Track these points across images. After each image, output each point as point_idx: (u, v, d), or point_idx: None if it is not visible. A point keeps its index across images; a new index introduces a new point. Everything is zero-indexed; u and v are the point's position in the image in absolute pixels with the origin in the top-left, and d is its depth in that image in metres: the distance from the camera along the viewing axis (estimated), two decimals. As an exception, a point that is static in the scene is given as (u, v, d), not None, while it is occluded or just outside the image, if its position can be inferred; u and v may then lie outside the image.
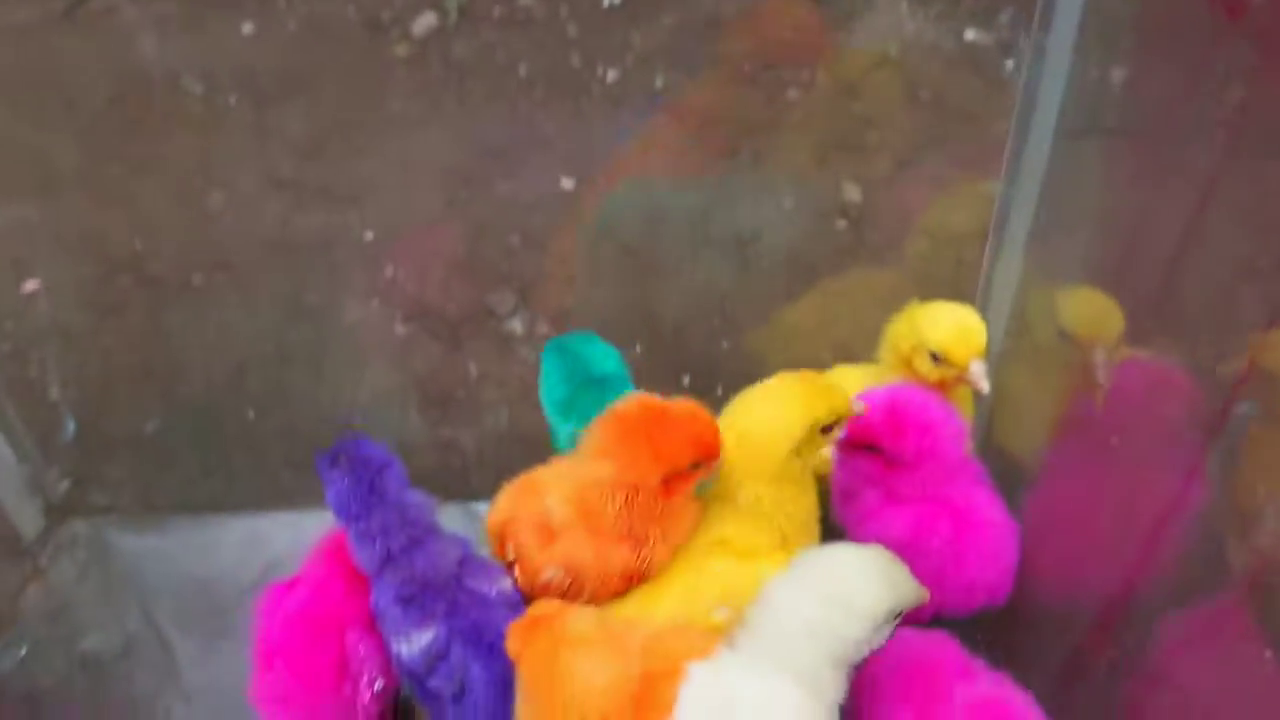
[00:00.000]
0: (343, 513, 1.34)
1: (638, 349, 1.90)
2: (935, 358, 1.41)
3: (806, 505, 1.30)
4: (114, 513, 1.77)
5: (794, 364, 1.82)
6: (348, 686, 1.33)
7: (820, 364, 1.64)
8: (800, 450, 1.26)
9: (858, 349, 1.57)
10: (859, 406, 1.30)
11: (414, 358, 1.92)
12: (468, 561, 1.35)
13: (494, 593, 1.33)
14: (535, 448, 1.67)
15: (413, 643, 1.29)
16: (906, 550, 1.31)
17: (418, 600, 1.30)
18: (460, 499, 1.77)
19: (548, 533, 1.32)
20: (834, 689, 1.08)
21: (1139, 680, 1.28)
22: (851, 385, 1.48)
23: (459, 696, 1.28)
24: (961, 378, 1.40)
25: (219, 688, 1.54)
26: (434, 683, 1.29)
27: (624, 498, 1.28)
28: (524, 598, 1.37)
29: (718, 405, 1.86)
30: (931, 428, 1.32)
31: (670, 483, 1.28)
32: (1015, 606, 1.41)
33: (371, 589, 1.35)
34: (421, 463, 1.84)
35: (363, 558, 1.34)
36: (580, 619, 1.17)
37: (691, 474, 1.29)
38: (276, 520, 1.77)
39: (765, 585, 1.10)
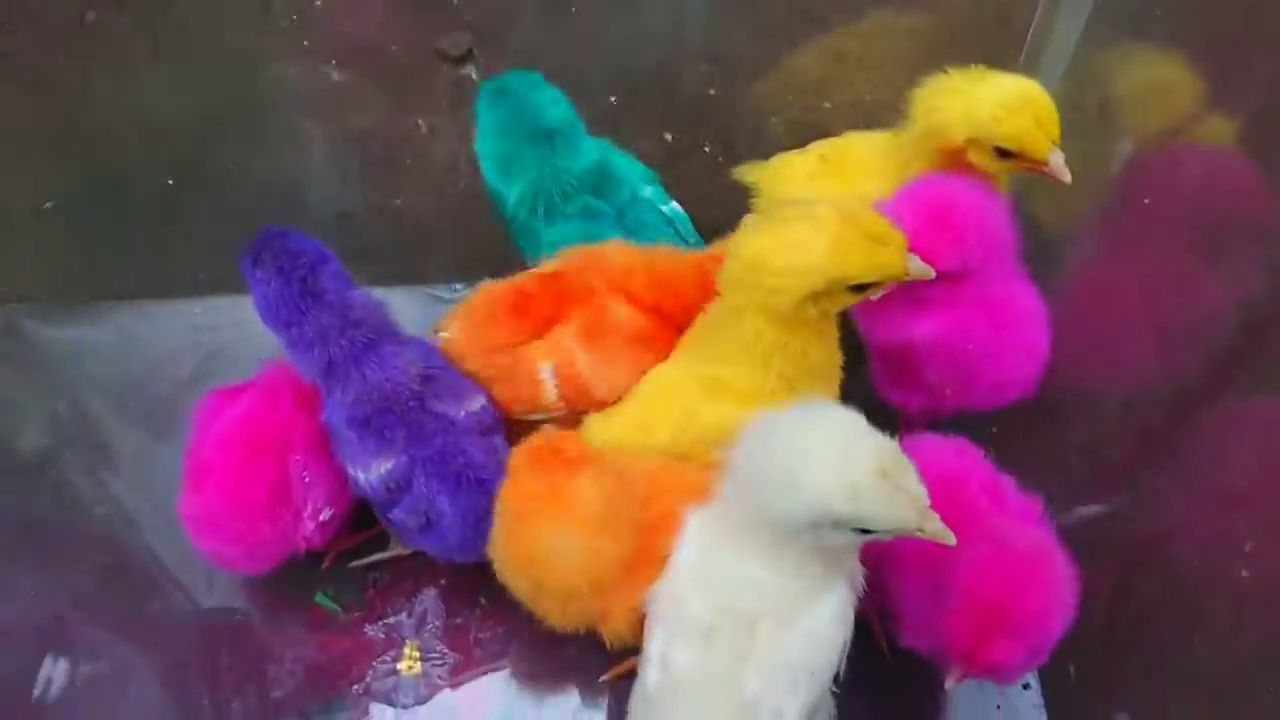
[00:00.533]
0: (271, 318, 1.16)
1: (612, 99, 1.65)
2: (1003, 153, 1.16)
3: (818, 355, 1.11)
4: (29, 301, 1.58)
5: (795, 123, 1.61)
6: (287, 514, 1.20)
7: (825, 127, 1.41)
8: (819, 300, 1.05)
9: (873, 110, 1.34)
10: (918, 268, 1.06)
11: (352, 112, 1.67)
12: (432, 379, 1.18)
13: (462, 415, 1.18)
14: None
15: (371, 472, 1.15)
16: (935, 355, 1.17)
17: (374, 424, 1.15)
18: (418, 281, 1.59)
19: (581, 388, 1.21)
20: (806, 563, 0.94)
21: (1162, 470, 1.20)
22: (864, 157, 1.27)
23: (426, 529, 1.16)
24: (1034, 170, 1.17)
25: (160, 490, 1.41)
26: (396, 514, 1.16)
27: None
28: (506, 420, 1.23)
29: (704, 164, 1.66)
30: (986, 238, 1.12)
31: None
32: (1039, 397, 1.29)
33: (322, 405, 1.19)
34: (368, 238, 1.64)
35: (303, 368, 1.18)
36: (585, 487, 1.03)
37: None
38: (213, 306, 1.60)
39: (742, 428, 0.95)
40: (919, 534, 0.91)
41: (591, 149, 1.33)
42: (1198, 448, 1.19)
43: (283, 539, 1.22)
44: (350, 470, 1.18)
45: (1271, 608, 1.04)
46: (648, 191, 1.37)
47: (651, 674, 0.97)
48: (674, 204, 1.39)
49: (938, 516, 0.91)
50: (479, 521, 1.15)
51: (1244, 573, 1.06)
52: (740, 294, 1.07)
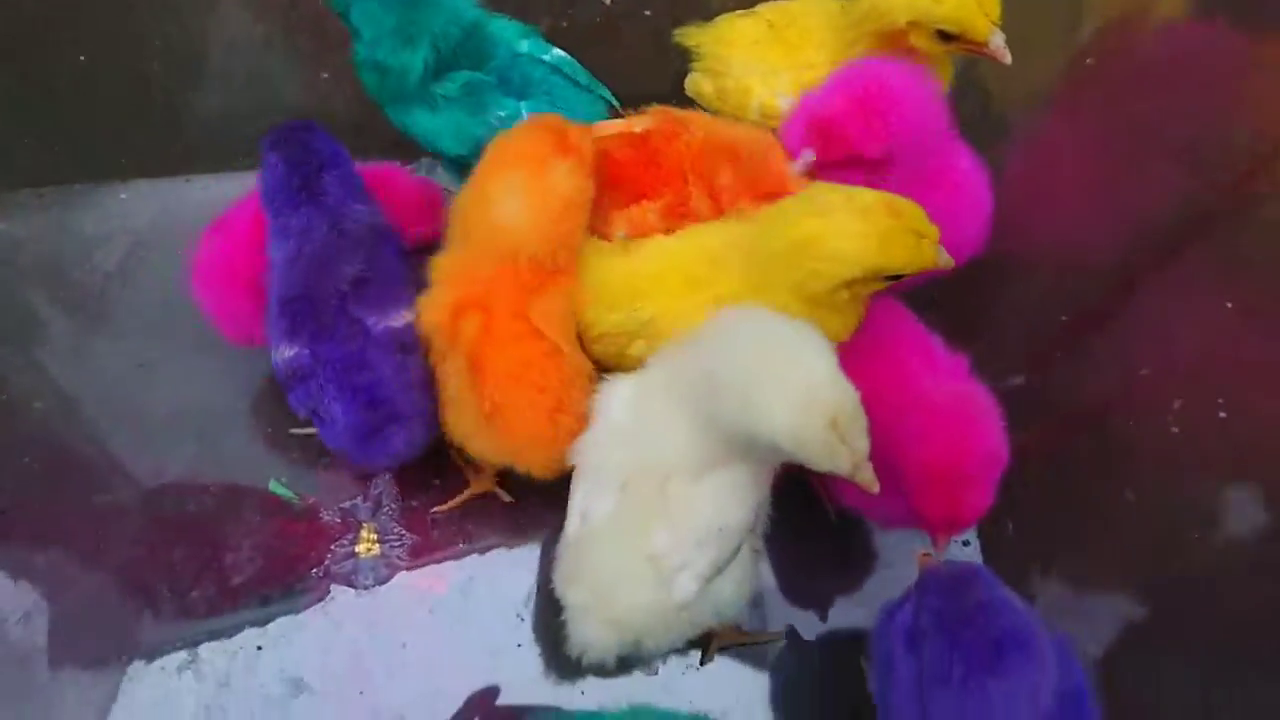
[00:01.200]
0: (268, 203, 1.18)
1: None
2: (945, 35, 1.15)
3: (833, 330, 1.10)
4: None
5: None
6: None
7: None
8: (852, 285, 1.06)
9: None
10: (945, 260, 1.07)
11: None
12: (366, 281, 1.16)
13: (380, 328, 1.15)
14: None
15: (278, 353, 1.15)
16: None
17: (291, 308, 1.14)
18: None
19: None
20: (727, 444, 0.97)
21: (1097, 333, 1.26)
22: (812, 27, 1.25)
23: (317, 419, 1.17)
24: (975, 51, 1.17)
25: (99, 382, 1.40)
26: (291, 398, 1.17)
27: None
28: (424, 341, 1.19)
29: (646, 29, 1.59)
30: (915, 122, 1.12)
31: None
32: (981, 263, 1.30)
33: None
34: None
35: (272, 251, 1.18)
36: (562, 174, 1.12)
37: None
38: (137, 190, 1.53)
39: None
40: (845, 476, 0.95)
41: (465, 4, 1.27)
42: (1134, 312, 1.22)
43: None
44: (270, 343, 1.18)
45: (1198, 461, 1.08)
46: (525, 45, 1.31)
47: (572, 524, 1.04)
48: (556, 50, 1.33)
49: (871, 468, 0.95)
50: (367, 438, 1.15)
51: (1174, 429, 1.10)
52: (775, 269, 1.07)
